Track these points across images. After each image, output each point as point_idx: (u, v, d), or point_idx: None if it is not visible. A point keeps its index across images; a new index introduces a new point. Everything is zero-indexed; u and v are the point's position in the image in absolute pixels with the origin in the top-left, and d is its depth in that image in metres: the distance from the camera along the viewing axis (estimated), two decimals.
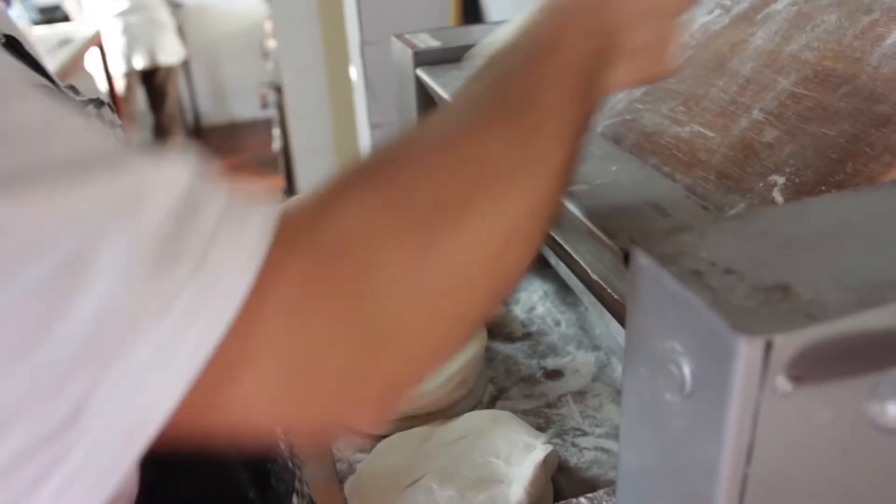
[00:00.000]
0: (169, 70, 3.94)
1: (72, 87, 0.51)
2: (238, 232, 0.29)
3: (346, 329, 0.31)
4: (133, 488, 0.41)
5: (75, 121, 0.30)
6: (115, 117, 0.48)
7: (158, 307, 0.27)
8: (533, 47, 0.42)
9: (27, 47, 0.49)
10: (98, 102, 0.48)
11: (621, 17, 0.44)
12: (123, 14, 3.64)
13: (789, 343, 0.31)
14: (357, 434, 0.39)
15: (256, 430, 0.33)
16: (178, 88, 4.33)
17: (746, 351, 0.30)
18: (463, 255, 0.34)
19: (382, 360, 0.32)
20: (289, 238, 0.30)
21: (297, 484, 0.59)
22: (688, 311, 0.33)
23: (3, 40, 0.46)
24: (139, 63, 3.77)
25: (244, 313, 0.28)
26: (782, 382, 0.32)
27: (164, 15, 3.85)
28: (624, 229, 0.41)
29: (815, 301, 0.32)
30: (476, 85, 0.41)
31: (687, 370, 0.34)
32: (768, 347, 0.30)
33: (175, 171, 0.29)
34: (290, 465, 0.58)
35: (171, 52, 3.90)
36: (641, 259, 0.36)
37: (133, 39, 3.71)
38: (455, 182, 0.35)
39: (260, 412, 0.31)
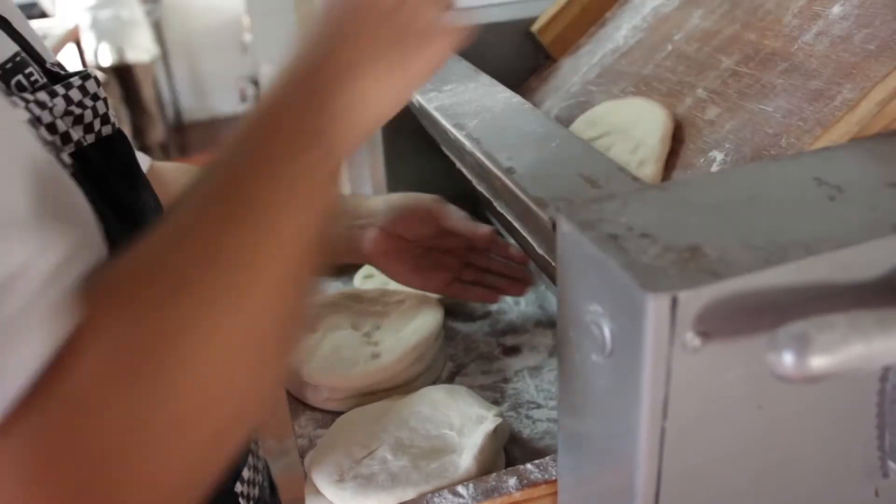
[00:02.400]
0: (141, 68, 3.88)
1: (58, 64, 0.52)
2: None
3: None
4: None
5: None
6: (99, 90, 0.49)
7: None
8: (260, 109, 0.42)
9: (17, 27, 0.50)
10: (84, 75, 0.49)
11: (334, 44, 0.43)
12: (93, 9, 3.60)
13: (694, 299, 0.32)
14: None
15: None
16: (156, 87, 4.31)
17: (654, 307, 0.32)
18: (175, 399, 0.32)
19: None
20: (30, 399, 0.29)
21: (251, 446, 0.60)
22: (605, 273, 0.35)
23: None
24: (106, 59, 3.69)
25: None
26: (691, 338, 0.33)
27: (135, 12, 3.80)
28: (555, 201, 0.43)
29: (721, 260, 0.34)
30: (207, 169, 0.39)
31: (607, 331, 0.36)
32: (674, 303, 0.32)
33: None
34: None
35: (141, 50, 3.83)
36: (564, 225, 0.38)
37: (101, 35, 3.65)
38: (169, 317, 0.33)
39: None
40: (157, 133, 4.12)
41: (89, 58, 3.67)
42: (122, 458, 0.31)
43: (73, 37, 3.53)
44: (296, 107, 0.41)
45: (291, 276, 0.38)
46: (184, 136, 4.71)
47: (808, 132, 0.53)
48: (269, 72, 2.70)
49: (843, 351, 0.30)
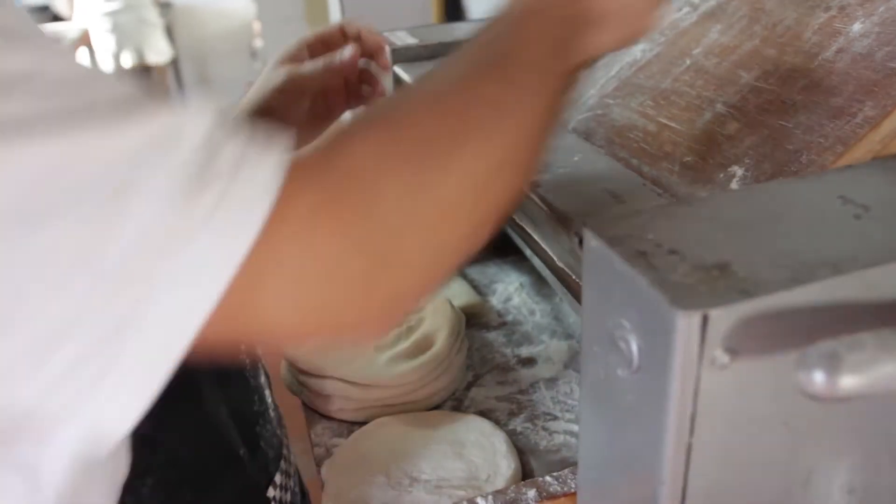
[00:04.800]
0: (159, 69, 3.94)
1: None
2: (255, 171, 0.33)
3: (352, 248, 0.35)
4: (125, 463, 0.44)
5: (101, 72, 0.35)
6: None
7: (190, 231, 0.31)
8: (511, 17, 0.47)
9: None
10: None
11: None
12: (113, 14, 3.64)
13: (724, 317, 0.33)
14: (364, 341, 0.45)
15: (277, 336, 0.38)
16: (168, 88, 4.33)
17: (684, 325, 0.32)
18: (449, 188, 0.39)
19: (384, 276, 0.37)
20: (299, 175, 0.34)
21: (284, 451, 0.61)
22: (633, 290, 0.35)
23: None
24: (127, 62, 3.77)
25: (264, 236, 0.32)
26: (720, 355, 0.34)
27: (152, 15, 3.87)
28: (580, 215, 0.43)
29: (750, 278, 0.34)
30: (465, 48, 0.46)
31: (634, 346, 0.36)
32: (705, 321, 0.32)
33: (199, 116, 0.33)
34: (277, 431, 0.61)
35: (159, 52, 3.91)
36: (592, 241, 0.38)
37: (122, 38, 3.72)
38: (442, 127, 0.40)
39: (280, 319, 0.35)
40: None
41: (108, 61, 3.71)
42: (397, 231, 0.37)
43: (86, 41, 3.56)
44: (543, 19, 0.47)
45: (539, 115, 0.44)
46: None
47: (828, 149, 0.53)
48: None
49: (872, 370, 0.30)
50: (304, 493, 0.66)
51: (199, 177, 0.31)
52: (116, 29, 3.69)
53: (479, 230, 0.41)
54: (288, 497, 0.59)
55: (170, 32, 4.48)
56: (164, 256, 0.30)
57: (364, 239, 0.36)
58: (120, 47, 3.73)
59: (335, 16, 1.59)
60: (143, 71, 3.88)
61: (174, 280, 0.31)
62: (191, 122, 0.33)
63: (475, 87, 0.43)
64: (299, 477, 0.65)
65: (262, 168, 0.33)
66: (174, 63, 4.59)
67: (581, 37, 0.48)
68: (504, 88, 0.43)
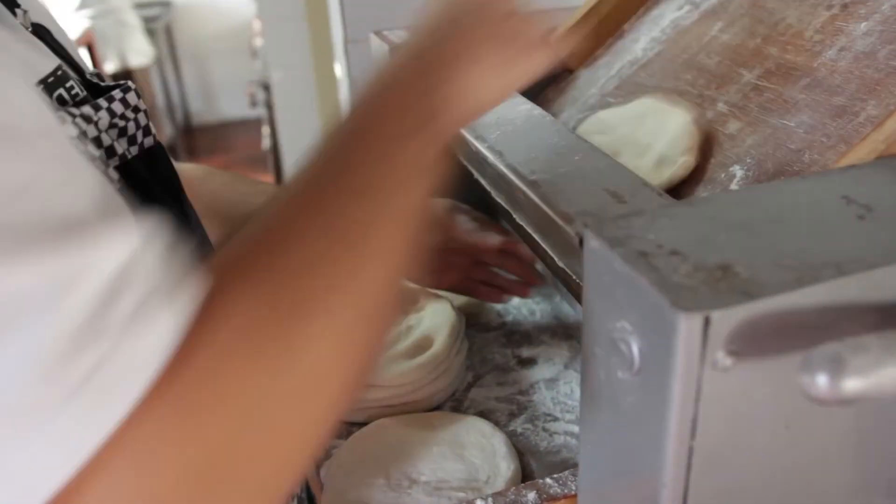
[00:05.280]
0: (141, 72, 3.91)
1: (97, 75, 0.52)
2: (137, 340, 0.29)
3: (190, 481, 0.31)
4: None
5: (52, 177, 0.30)
6: (139, 102, 0.50)
7: (48, 410, 0.27)
8: (369, 103, 0.43)
9: (56, 35, 0.50)
10: (125, 87, 0.49)
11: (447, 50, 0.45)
12: (92, 19, 3.62)
13: (727, 319, 0.32)
14: None
15: None
16: (166, 88, 4.33)
17: (686, 326, 0.32)
18: (306, 376, 0.34)
19: (236, 484, 0.33)
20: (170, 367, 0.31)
21: None
22: (634, 291, 0.35)
23: (31, 29, 0.48)
24: (111, 66, 3.73)
25: (116, 436, 0.29)
26: (722, 357, 0.33)
27: (130, 16, 3.82)
28: (581, 215, 0.43)
29: (753, 280, 0.34)
30: (310, 176, 0.40)
31: (635, 348, 0.36)
32: (707, 323, 0.32)
33: (116, 249, 0.30)
34: None
35: (140, 54, 3.87)
36: (592, 242, 0.38)
37: (103, 44, 3.68)
38: (315, 281, 0.35)
39: None
40: (162, 135, 4.13)
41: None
42: (249, 427, 0.32)
43: (87, 41, 3.55)
44: (408, 90, 0.43)
45: (402, 251, 0.40)
46: (192, 139, 4.72)
47: (831, 148, 0.53)
48: (279, 77, 2.71)
49: (876, 374, 0.30)
50: (311, 498, 0.65)
51: (80, 337, 0.28)
52: (97, 32, 3.66)
53: (344, 399, 0.37)
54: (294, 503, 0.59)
55: (169, 31, 4.48)
56: (12, 432, 0.27)
57: (203, 472, 0.31)
58: (102, 53, 3.71)
59: (335, 16, 1.58)
60: (126, 75, 3.85)
61: (10, 468, 0.28)
62: (101, 260, 0.29)
63: (327, 228, 0.37)
64: (306, 482, 0.65)
65: (149, 335, 0.30)
66: (174, 62, 4.60)
67: (447, 96, 0.44)
68: (363, 216, 0.38)
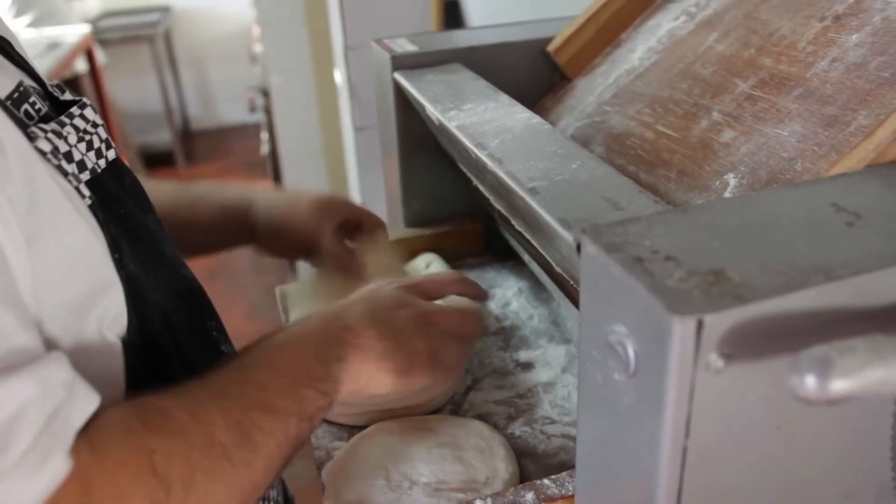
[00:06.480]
0: (84, 78, 3.85)
1: (59, 87, 0.53)
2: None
3: None
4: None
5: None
6: (96, 117, 0.50)
7: None
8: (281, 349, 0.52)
9: (17, 48, 0.51)
10: (81, 104, 0.50)
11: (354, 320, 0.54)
12: (32, 25, 3.58)
13: (719, 322, 0.33)
14: None
15: None
16: (165, 93, 4.31)
17: (680, 329, 0.33)
18: None
19: None
20: None
21: None
22: (630, 295, 0.36)
23: None
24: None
25: None
26: (715, 360, 0.34)
27: (72, 21, 3.79)
28: (578, 222, 0.44)
29: (745, 284, 0.35)
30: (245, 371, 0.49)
31: (631, 351, 0.37)
32: (700, 326, 0.33)
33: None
34: None
35: (82, 60, 3.83)
36: (589, 247, 0.39)
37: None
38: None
39: None
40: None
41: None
42: None
43: (86, 46, 3.55)
44: (309, 354, 0.52)
45: (274, 469, 0.48)
46: (191, 144, 4.73)
47: (823, 157, 0.54)
48: (279, 82, 2.72)
49: (863, 375, 0.31)
50: (287, 502, 0.66)
51: None
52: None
53: None
54: None
55: (168, 37, 4.49)
56: None
57: None
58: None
59: (335, 22, 1.60)
60: (72, 81, 3.78)
61: None
62: None
63: (211, 443, 0.44)
64: (283, 485, 0.66)
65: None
66: (173, 67, 4.60)
67: (340, 375, 0.52)
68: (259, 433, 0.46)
